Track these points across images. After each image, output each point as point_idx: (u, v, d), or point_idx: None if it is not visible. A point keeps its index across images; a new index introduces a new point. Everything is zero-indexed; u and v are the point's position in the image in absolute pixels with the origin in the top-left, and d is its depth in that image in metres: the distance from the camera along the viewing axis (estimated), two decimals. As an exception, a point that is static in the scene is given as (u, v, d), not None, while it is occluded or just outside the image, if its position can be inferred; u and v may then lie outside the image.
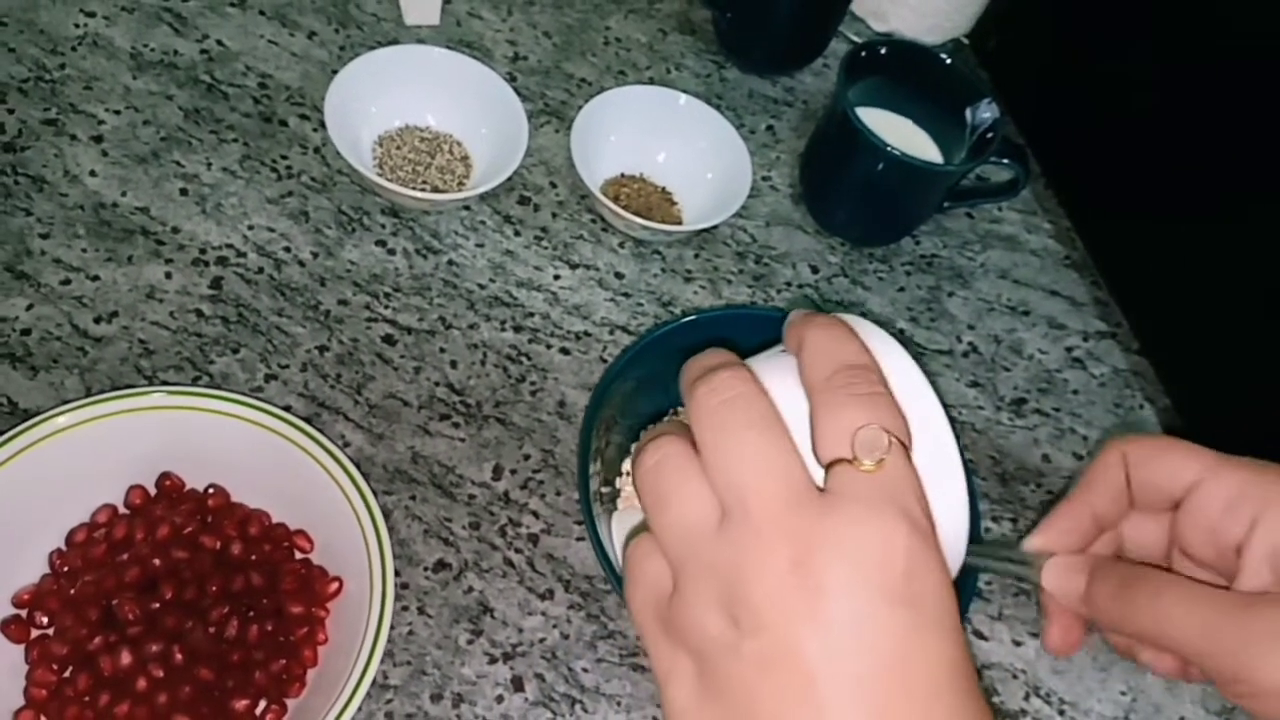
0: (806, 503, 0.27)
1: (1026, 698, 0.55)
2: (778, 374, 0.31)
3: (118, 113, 0.62)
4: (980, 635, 0.56)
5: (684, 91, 0.68)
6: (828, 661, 0.25)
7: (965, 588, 0.50)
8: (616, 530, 0.53)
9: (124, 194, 0.59)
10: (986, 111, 0.64)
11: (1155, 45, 0.66)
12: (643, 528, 0.30)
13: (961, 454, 0.31)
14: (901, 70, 0.66)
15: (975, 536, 0.51)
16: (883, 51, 0.66)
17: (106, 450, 0.48)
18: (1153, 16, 0.66)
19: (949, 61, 0.66)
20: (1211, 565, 0.36)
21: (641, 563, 0.29)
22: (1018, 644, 0.56)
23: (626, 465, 0.55)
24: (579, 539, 0.54)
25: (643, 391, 0.56)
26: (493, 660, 0.50)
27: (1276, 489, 0.33)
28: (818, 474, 0.28)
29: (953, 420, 0.61)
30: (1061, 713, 0.55)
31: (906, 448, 0.28)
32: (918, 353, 0.65)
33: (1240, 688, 0.31)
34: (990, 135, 0.63)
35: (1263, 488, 0.33)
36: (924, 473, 0.29)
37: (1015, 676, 0.55)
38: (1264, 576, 0.33)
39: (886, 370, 0.30)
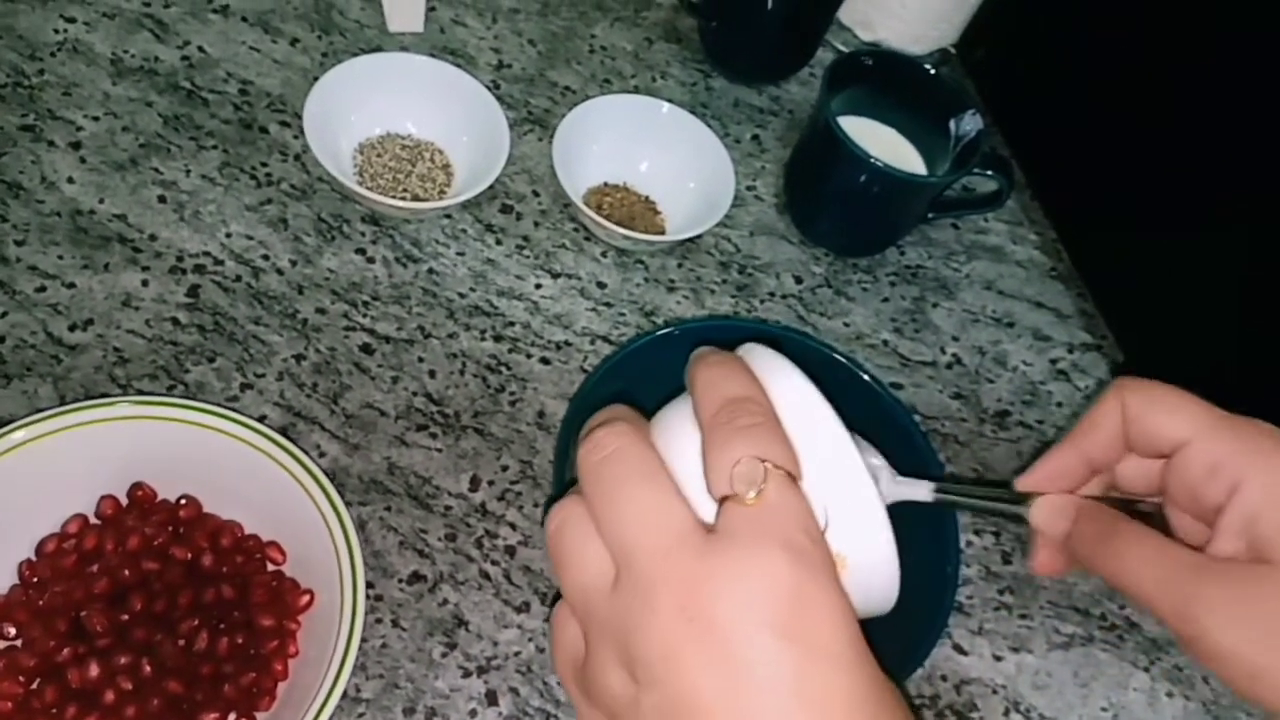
0: (689, 546, 0.27)
1: (1006, 713, 0.54)
2: (681, 418, 0.31)
3: (96, 119, 0.62)
4: (960, 650, 0.56)
5: (669, 100, 0.67)
6: (726, 701, 0.25)
7: (943, 601, 0.50)
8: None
9: (101, 201, 0.59)
10: (970, 123, 0.63)
11: (1142, 56, 0.66)
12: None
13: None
14: (886, 80, 0.66)
15: (952, 574, 0.50)
16: (867, 61, 0.65)
17: (77, 460, 0.48)
18: (1141, 27, 0.66)
19: (934, 72, 0.66)
20: (1192, 516, 0.36)
21: (559, 627, 0.30)
22: (998, 659, 0.56)
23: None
24: (556, 551, 0.54)
25: (621, 403, 0.56)
26: (467, 674, 0.50)
27: (1259, 459, 0.33)
28: (712, 515, 0.28)
29: (934, 433, 0.61)
30: (1042, 728, 0.54)
31: (793, 475, 0.28)
32: (901, 364, 0.65)
33: (1193, 648, 0.32)
34: (975, 146, 0.63)
35: (1247, 456, 0.33)
36: (829, 494, 0.28)
37: (995, 692, 0.55)
38: (1234, 544, 0.33)
39: (780, 397, 0.30)
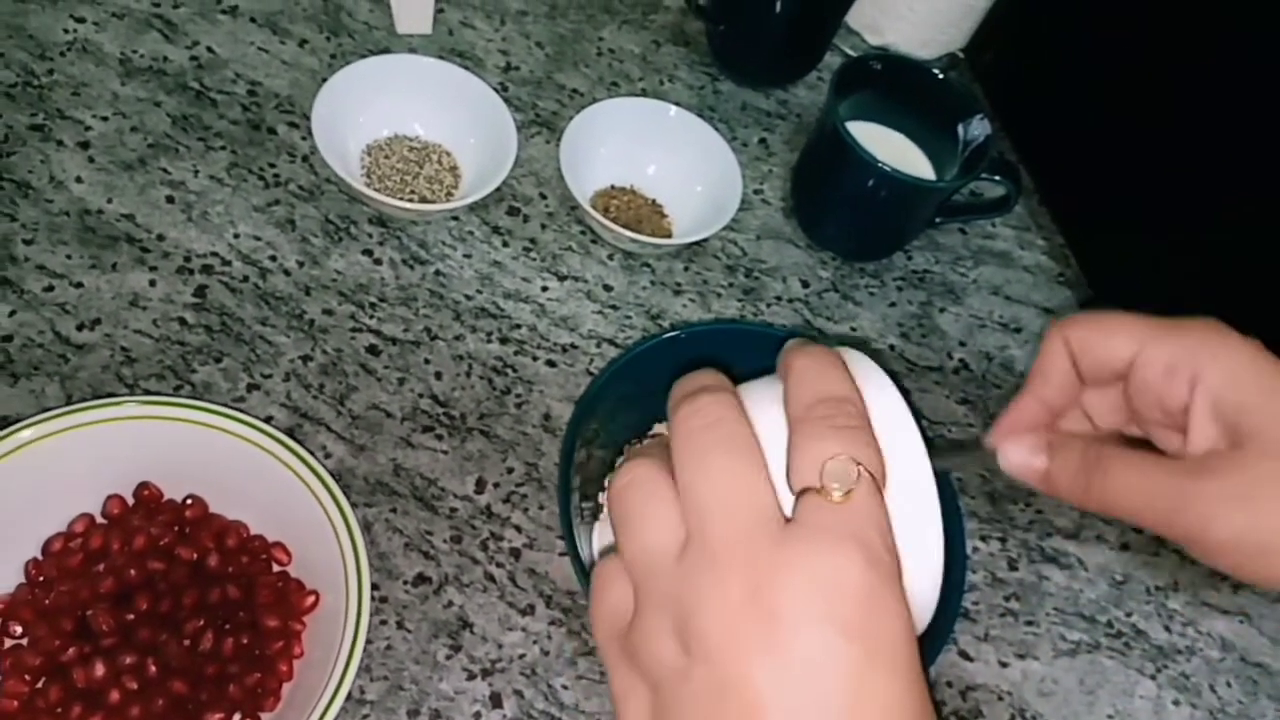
0: (767, 531, 0.26)
1: (1012, 720, 0.54)
2: (764, 402, 0.31)
3: (105, 119, 0.62)
4: (966, 656, 0.55)
5: (676, 103, 0.67)
6: (777, 692, 0.25)
7: (949, 607, 0.50)
8: (597, 545, 0.53)
9: (109, 201, 0.59)
10: (978, 128, 0.63)
11: (1150, 60, 0.66)
12: (613, 547, 0.30)
13: (949, 497, 0.30)
14: (894, 84, 0.66)
15: (958, 579, 0.50)
16: (875, 66, 0.65)
17: (84, 459, 0.48)
18: (1148, 31, 0.66)
19: (942, 76, 0.66)
20: (1169, 429, 0.36)
21: (606, 586, 0.29)
22: (1004, 665, 0.56)
23: (609, 480, 0.55)
24: (561, 554, 0.54)
25: (627, 406, 0.56)
26: (471, 676, 0.50)
27: (1207, 346, 0.34)
28: (790, 505, 0.28)
29: (941, 438, 0.61)
30: (1047, 735, 0.54)
31: (879, 484, 0.28)
32: (908, 369, 0.65)
33: (1197, 548, 0.32)
34: (983, 151, 0.63)
35: (1196, 350, 0.34)
36: (897, 513, 0.28)
37: (1001, 699, 0.55)
38: (1210, 432, 0.33)
39: (872, 406, 0.30)
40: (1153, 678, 0.57)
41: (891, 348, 0.66)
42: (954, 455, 0.40)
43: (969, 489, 0.61)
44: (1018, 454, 0.36)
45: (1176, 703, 0.56)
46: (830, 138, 0.62)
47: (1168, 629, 0.59)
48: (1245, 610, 0.60)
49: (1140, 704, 0.56)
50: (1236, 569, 0.32)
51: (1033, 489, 0.36)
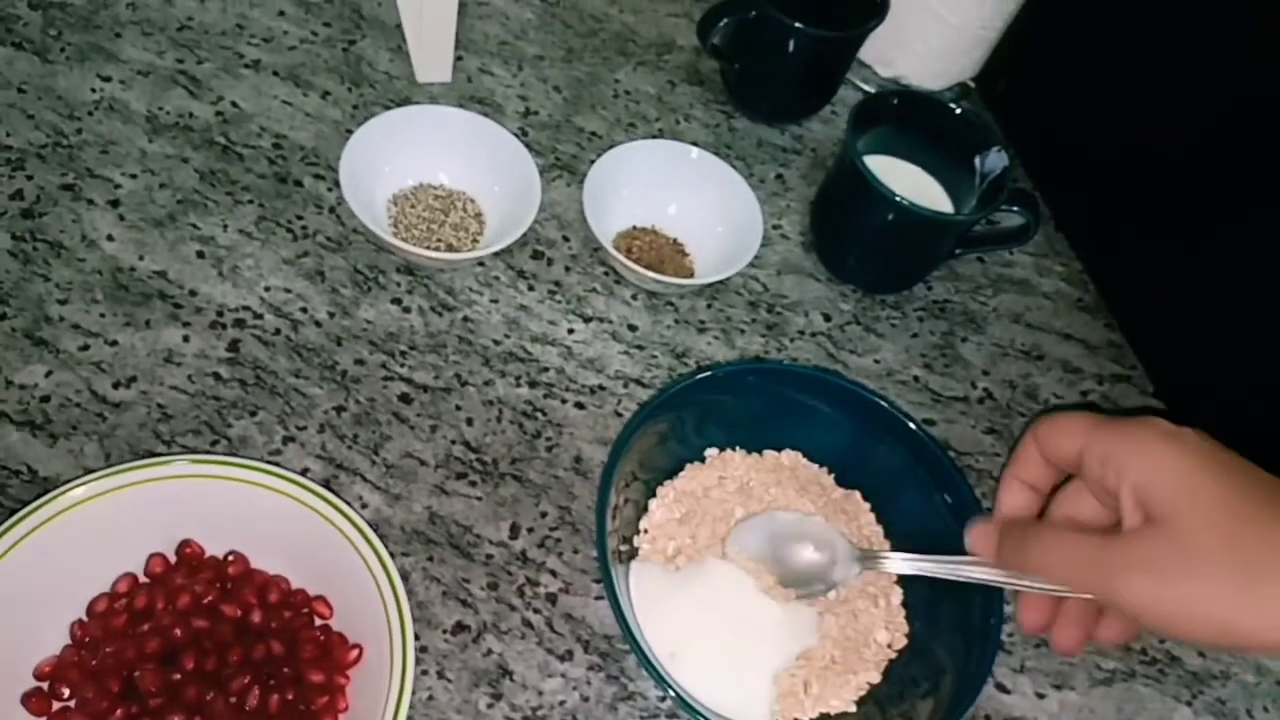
0: None
1: (1052, 752, 0.54)
2: None
3: (134, 176, 0.63)
4: (1003, 689, 0.56)
5: (693, 142, 0.68)
6: None
7: (989, 640, 0.50)
8: (635, 585, 0.53)
9: (141, 258, 0.60)
10: (995, 159, 0.64)
11: (1163, 86, 0.66)
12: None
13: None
14: (911, 118, 0.66)
15: (999, 611, 0.51)
16: (892, 101, 0.66)
17: (128, 519, 0.48)
18: (1161, 57, 0.66)
19: (958, 110, 0.66)
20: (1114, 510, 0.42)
21: None
22: (1041, 696, 0.56)
23: (644, 523, 0.55)
24: (598, 598, 0.54)
25: (660, 446, 0.56)
26: (513, 724, 0.50)
27: (1134, 442, 0.40)
28: None
29: (969, 468, 0.61)
30: (1087, 766, 0.54)
31: None
32: (933, 399, 0.65)
33: (1120, 609, 0.39)
34: (1001, 183, 0.63)
35: (1125, 445, 0.40)
36: None
37: (1040, 730, 0.55)
38: (1135, 516, 0.39)
39: None
40: (1189, 704, 0.57)
41: (916, 379, 0.66)
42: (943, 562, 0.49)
43: (999, 519, 0.61)
44: (976, 539, 0.45)
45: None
46: (849, 172, 0.63)
47: (1202, 655, 0.59)
48: None
49: (1176, 731, 0.56)
50: (1160, 630, 0.38)
51: None
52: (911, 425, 0.56)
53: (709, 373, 0.56)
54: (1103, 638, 0.45)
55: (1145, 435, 0.40)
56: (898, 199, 0.61)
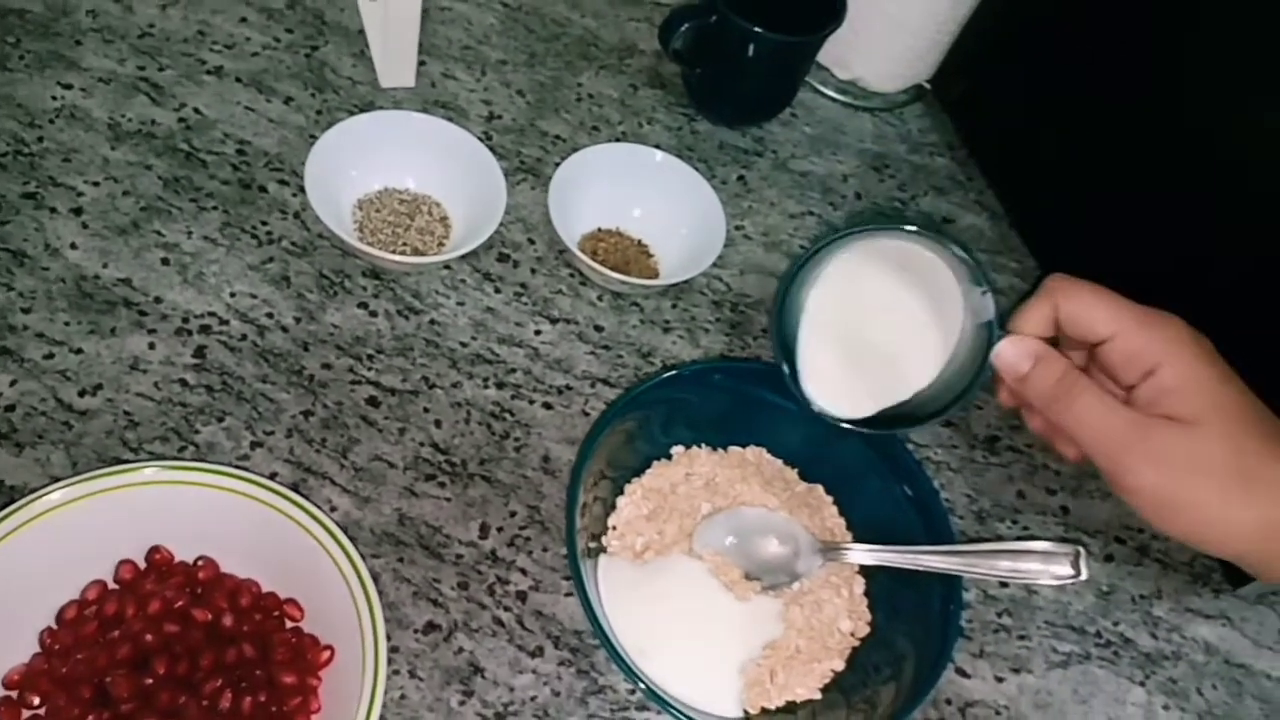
0: None
1: (1011, 734, 0.56)
2: None
3: (97, 184, 0.63)
4: (963, 673, 0.57)
5: (656, 145, 0.69)
6: None
7: (949, 626, 0.52)
8: (604, 581, 0.54)
9: (105, 266, 0.60)
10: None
11: (1117, 86, 0.68)
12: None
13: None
14: None
15: (957, 599, 0.53)
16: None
17: (97, 526, 0.48)
18: (1114, 58, 0.68)
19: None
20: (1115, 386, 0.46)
21: None
22: (1000, 680, 0.57)
23: (613, 519, 0.56)
24: (567, 594, 0.55)
25: (628, 444, 0.57)
26: (486, 721, 0.51)
27: (1162, 345, 0.43)
28: None
29: (927, 460, 0.63)
30: (1046, 748, 0.56)
31: None
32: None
33: (1115, 488, 0.43)
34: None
35: (1154, 346, 0.43)
36: None
37: (999, 713, 0.56)
38: (1150, 408, 0.43)
39: None
40: (1142, 684, 0.59)
41: (876, 375, 0.68)
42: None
43: (957, 508, 0.63)
44: (1011, 352, 0.45)
45: (1166, 707, 0.58)
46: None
47: (1154, 636, 0.61)
48: (1227, 614, 0.62)
49: (1132, 710, 0.58)
50: (1143, 514, 0.43)
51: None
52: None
53: (675, 372, 0.57)
54: (1061, 449, 0.48)
55: (1175, 339, 0.43)
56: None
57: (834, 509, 0.59)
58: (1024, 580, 0.54)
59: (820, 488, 0.60)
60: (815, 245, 0.50)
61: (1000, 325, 0.47)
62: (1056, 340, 0.47)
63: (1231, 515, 0.42)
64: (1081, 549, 0.51)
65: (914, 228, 0.48)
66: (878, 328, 0.52)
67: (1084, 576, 0.50)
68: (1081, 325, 0.45)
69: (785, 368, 0.53)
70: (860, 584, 0.57)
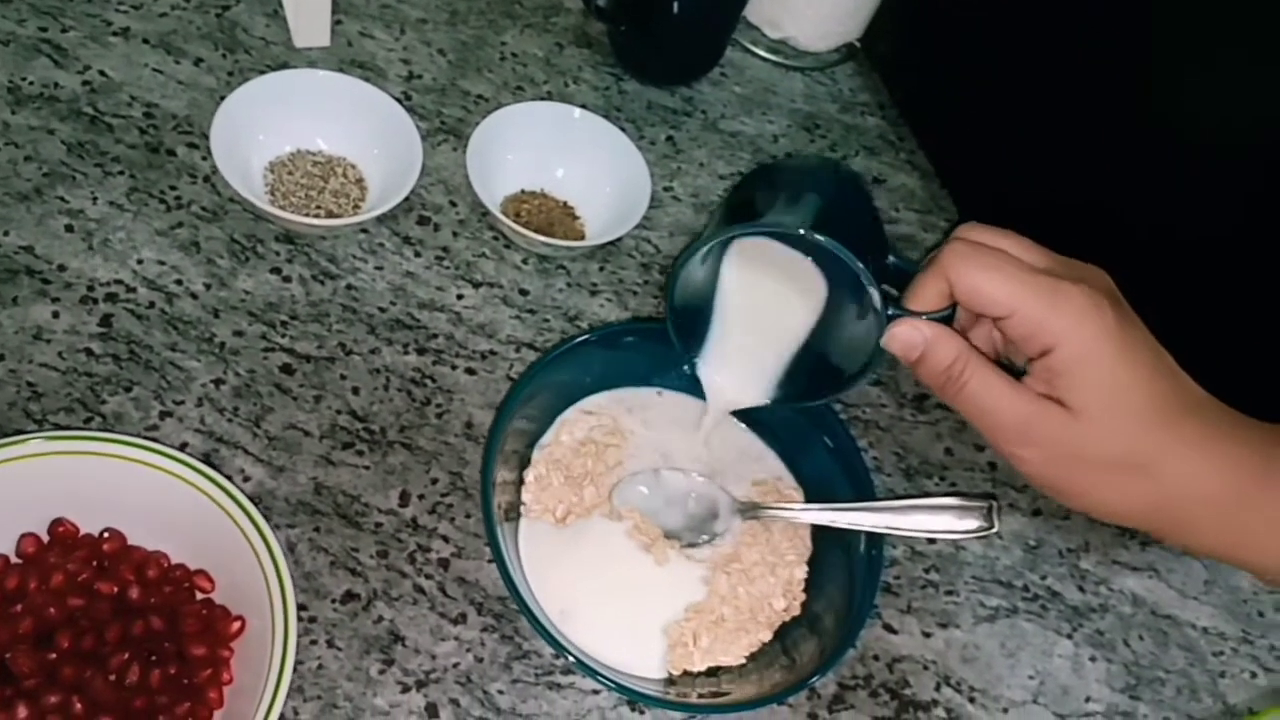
0: None
1: (938, 688, 0.56)
2: None
3: (-4, 149, 0.60)
4: (891, 629, 0.57)
5: (583, 105, 0.68)
6: None
7: (870, 579, 0.52)
8: (524, 545, 0.54)
9: (6, 234, 0.58)
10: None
11: (1046, 45, 0.68)
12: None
13: None
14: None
15: (878, 555, 0.53)
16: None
17: (-8, 500, 0.47)
18: (1044, 16, 0.67)
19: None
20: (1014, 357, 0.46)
21: None
22: (927, 635, 0.57)
23: (529, 475, 0.56)
24: (490, 560, 0.54)
25: (546, 410, 0.57)
26: (405, 689, 0.50)
27: (1059, 321, 0.40)
28: None
29: (856, 420, 0.63)
30: (972, 700, 0.56)
31: None
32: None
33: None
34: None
35: (1051, 323, 0.41)
36: None
37: (926, 668, 0.56)
38: (1043, 385, 0.42)
39: None
40: (1069, 637, 0.59)
41: (805, 335, 0.67)
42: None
43: (885, 466, 0.63)
44: (901, 339, 0.44)
45: (1093, 659, 0.59)
46: None
47: (1081, 589, 0.61)
48: (1154, 566, 0.63)
49: (1059, 663, 0.58)
50: (1030, 481, 0.43)
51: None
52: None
53: (587, 335, 0.57)
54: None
55: (1076, 314, 0.40)
56: None
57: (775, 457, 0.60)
58: (934, 535, 0.53)
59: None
60: (705, 240, 0.48)
61: (898, 297, 0.45)
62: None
63: (1114, 499, 0.42)
64: (995, 502, 0.51)
65: (801, 232, 0.44)
66: (770, 315, 0.52)
67: (995, 529, 0.50)
68: (977, 301, 0.42)
69: (686, 367, 0.54)
70: (803, 570, 0.56)
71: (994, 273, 0.41)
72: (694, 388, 0.58)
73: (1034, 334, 0.41)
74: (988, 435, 0.43)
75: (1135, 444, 0.41)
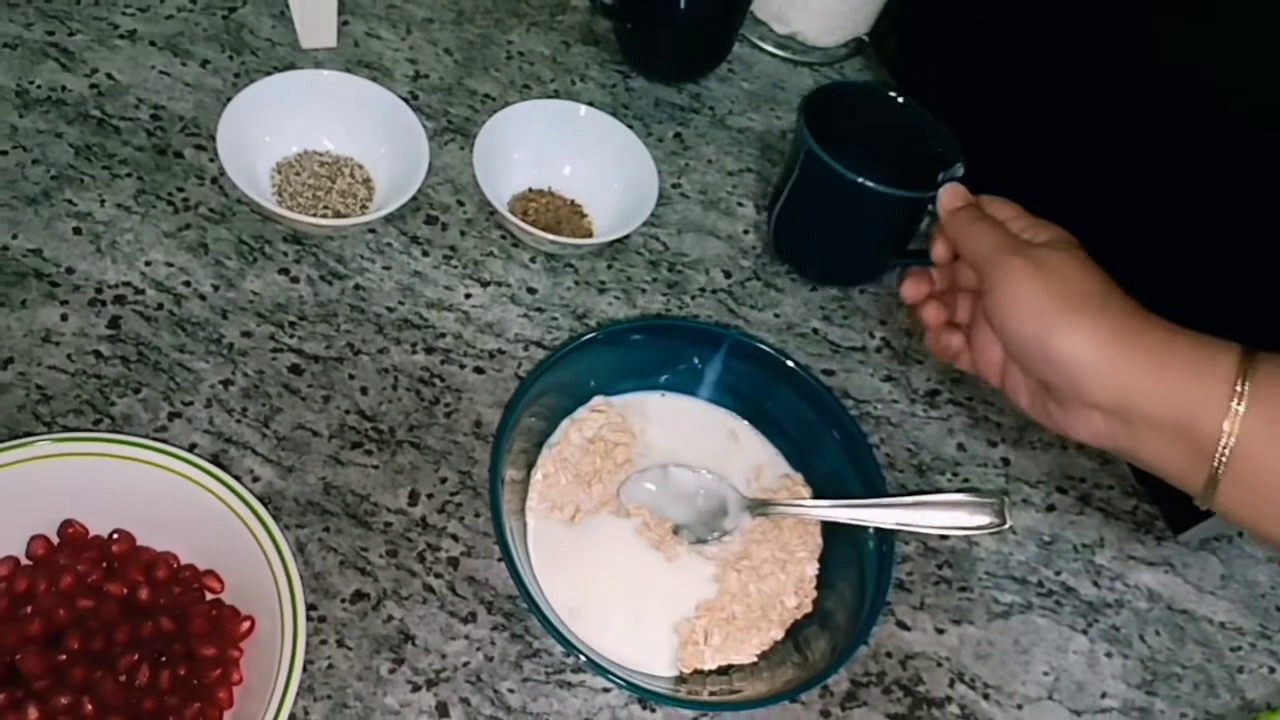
0: None
1: (951, 684, 0.56)
2: None
3: (5, 153, 0.60)
4: (904, 626, 0.57)
5: (589, 103, 0.68)
6: None
7: (882, 576, 0.51)
8: (534, 543, 0.53)
9: (14, 237, 0.58)
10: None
11: (1055, 37, 0.67)
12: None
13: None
14: (864, 114, 0.64)
15: (889, 552, 0.52)
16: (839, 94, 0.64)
17: (3, 502, 0.47)
18: (1052, 8, 0.67)
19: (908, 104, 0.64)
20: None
21: None
22: (941, 631, 0.57)
23: (537, 476, 0.55)
24: (500, 559, 0.54)
25: (554, 408, 0.56)
26: (416, 688, 0.50)
27: (1002, 288, 0.47)
28: None
29: (867, 415, 0.62)
30: (986, 696, 0.56)
31: None
32: (832, 350, 0.66)
33: (986, 300, 0.48)
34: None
35: (995, 290, 0.47)
36: None
37: (940, 664, 0.56)
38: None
39: None
40: (1084, 632, 0.59)
41: (815, 331, 0.67)
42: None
43: (897, 462, 0.62)
44: (949, 195, 0.54)
45: (1109, 654, 0.58)
46: (811, 167, 0.60)
47: (1096, 584, 0.60)
48: (1170, 561, 0.62)
49: (1074, 659, 0.58)
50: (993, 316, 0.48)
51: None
52: (807, 376, 0.56)
53: (595, 334, 0.56)
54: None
55: (1013, 285, 0.46)
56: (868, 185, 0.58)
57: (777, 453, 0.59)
58: (946, 531, 0.53)
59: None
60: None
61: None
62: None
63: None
64: (1008, 497, 0.50)
65: None
66: None
67: (1009, 524, 0.49)
68: (960, 245, 0.51)
69: None
70: (814, 567, 0.55)
71: (983, 237, 0.50)
72: (700, 386, 0.58)
73: (984, 295, 0.48)
74: (987, 272, 0.48)
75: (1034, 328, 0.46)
